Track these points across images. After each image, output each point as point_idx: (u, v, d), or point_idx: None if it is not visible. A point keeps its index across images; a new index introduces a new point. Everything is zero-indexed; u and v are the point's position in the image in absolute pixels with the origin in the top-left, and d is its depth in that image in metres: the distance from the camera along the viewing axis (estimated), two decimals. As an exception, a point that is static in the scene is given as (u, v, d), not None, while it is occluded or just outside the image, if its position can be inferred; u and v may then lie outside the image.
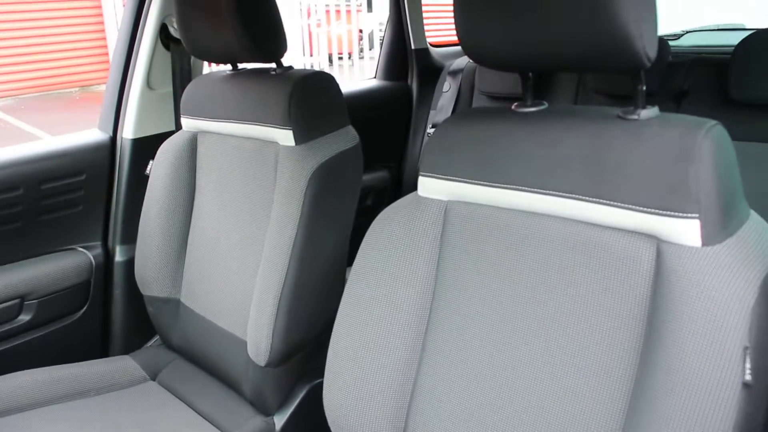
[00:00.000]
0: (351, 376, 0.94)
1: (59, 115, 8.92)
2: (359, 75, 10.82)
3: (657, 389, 0.69)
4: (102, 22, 11.62)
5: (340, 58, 10.96)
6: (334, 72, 10.71)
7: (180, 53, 1.67)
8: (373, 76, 2.54)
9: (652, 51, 0.73)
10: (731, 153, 0.74)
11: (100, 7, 11.51)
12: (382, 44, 2.54)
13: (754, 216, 0.77)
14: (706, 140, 0.71)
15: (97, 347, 1.69)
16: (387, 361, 0.91)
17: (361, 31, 11.45)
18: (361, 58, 11.63)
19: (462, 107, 2.28)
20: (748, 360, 0.64)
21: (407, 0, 2.39)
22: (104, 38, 11.67)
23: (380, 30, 11.27)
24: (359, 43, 11.55)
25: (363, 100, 2.36)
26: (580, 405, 0.76)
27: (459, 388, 0.86)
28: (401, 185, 2.48)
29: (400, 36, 2.45)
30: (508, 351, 0.83)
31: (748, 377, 0.64)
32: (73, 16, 11.43)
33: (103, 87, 11.07)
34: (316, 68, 11.71)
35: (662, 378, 0.68)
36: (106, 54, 11.72)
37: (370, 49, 11.42)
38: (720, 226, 0.70)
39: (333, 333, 0.98)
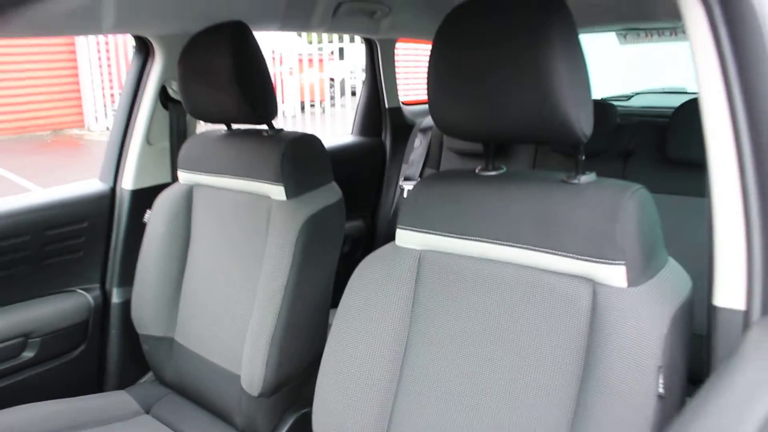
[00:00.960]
0: (337, 404, 1.08)
1: (30, 158, 8.93)
2: (330, 121, 11.04)
3: (593, 404, 0.85)
4: (76, 68, 11.69)
5: (312, 105, 11.19)
6: (306, 119, 10.93)
7: (177, 112, 1.83)
8: (350, 131, 2.72)
9: (588, 129, 0.90)
10: (653, 211, 0.92)
11: (74, 53, 11.60)
12: (356, 97, 2.71)
13: (671, 261, 0.94)
14: (630, 201, 0.88)
15: (94, 383, 1.79)
16: (369, 390, 1.06)
17: (332, 79, 11.69)
18: (332, 105, 11.89)
19: (432, 162, 2.46)
20: (661, 377, 0.81)
21: (382, 63, 2.59)
22: (77, 83, 11.73)
23: (351, 77, 11.54)
24: (330, 90, 11.81)
25: (340, 154, 2.52)
26: (535, 420, 0.92)
27: (432, 410, 1.02)
28: (375, 233, 2.63)
29: (375, 95, 2.64)
30: (474, 376, 0.98)
31: (661, 390, 0.81)
32: (49, 61, 11.49)
33: (75, 131, 11.10)
34: (288, 114, 11.75)
35: (597, 394, 0.85)
36: (79, 98, 11.79)
37: (341, 96, 11.67)
38: (641, 271, 0.87)
39: (321, 365, 1.11)
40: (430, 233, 1.05)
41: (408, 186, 2.40)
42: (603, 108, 2.05)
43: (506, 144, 1.64)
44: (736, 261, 0.76)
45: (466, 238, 1.01)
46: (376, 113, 2.66)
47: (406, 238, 1.08)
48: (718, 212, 0.78)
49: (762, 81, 0.70)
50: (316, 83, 11.20)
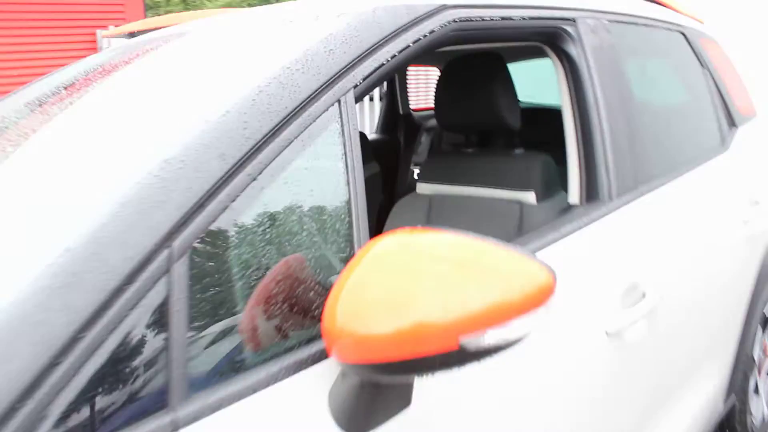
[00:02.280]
0: None
1: None
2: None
3: None
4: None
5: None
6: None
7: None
8: (375, 131, 3.64)
9: (516, 123, 1.79)
10: (551, 166, 1.81)
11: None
12: (373, 102, 3.63)
13: (563, 193, 1.83)
14: (537, 161, 1.78)
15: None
16: None
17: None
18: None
19: (434, 152, 3.36)
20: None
21: (398, 80, 3.51)
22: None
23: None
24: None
25: (369, 147, 3.41)
26: None
27: None
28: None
29: (393, 105, 3.55)
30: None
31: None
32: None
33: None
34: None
35: None
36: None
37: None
38: (543, 195, 1.75)
39: None
40: (435, 183, 1.94)
41: (417, 170, 3.29)
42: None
43: (481, 134, 2.46)
44: (574, 179, 1.62)
45: (455, 185, 1.90)
46: (393, 117, 3.56)
47: (422, 188, 1.97)
48: (570, 155, 1.64)
49: (587, 101, 1.58)
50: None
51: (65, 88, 1.42)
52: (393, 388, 0.87)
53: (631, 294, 1.42)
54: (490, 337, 0.77)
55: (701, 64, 2.24)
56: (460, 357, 0.77)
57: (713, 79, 2.28)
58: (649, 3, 2.14)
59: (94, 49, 12.26)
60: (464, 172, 1.88)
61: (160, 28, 1.87)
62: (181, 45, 1.38)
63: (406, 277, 0.77)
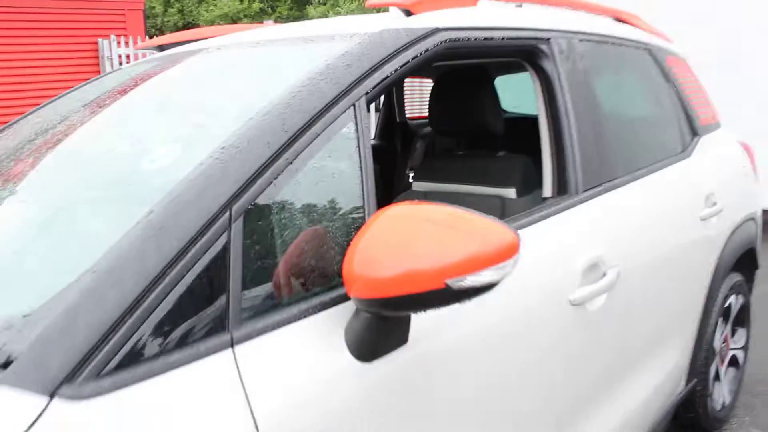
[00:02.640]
0: None
1: None
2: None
3: None
4: (99, 85, 12.81)
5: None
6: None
7: None
8: (372, 138, 3.90)
9: (499, 128, 2.07)
10: (530, 166, 2.08)
11: (98, 71, 12.75)
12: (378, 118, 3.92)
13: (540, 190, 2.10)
14: (518, 162, 2.05)
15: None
16: None
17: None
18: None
19: (428, 156, 3.64)
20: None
21: (395, 91, 3.79)
22: (101, 99, 12.84)
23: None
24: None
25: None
26: None
27: None
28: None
29: (390, 114, 3.83)
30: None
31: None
32: (74, 73, 12.65)
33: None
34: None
35: None
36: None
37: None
38: (522, 191, 2.02)
39: None
40: (429, 182, 2.20)
41: (412, 173, 3.56)
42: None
43: (470, 138, 2.72)
44: (547, 176, 1.89)
45: (446, 183, 2.16)
46: (390, 125, 3.84)
47: (417, 186, 2.23)
48: (544, 155, 1.90)
49: (558, 109, 1.85)
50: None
51: (117, 93, 1.69)
52: (394, 324, 1.13)
53: (592, 271, 1.69)
54: (469, 281, 1.03)
55: (666, 79, 2.52)
56: (445, 296, 1.03)
57: (676, 92, 2.56)
58: (619, 24, 2.42)
59: (96, 57, 12.52)
60: (454, 172, 2.15)
61: (187, 41, 2.14)
62: (222, 58, 1.65)
63: (405, 236, 1.03)
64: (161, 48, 2.23)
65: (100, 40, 12.58)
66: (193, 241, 0.99)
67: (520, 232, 1.49)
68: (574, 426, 1.69)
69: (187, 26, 33.48)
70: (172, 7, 30.94)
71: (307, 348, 1.08)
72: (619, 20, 2.47)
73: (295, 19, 30.27)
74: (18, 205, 1.29)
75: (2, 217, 1.26)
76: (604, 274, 1.72)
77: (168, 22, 30.87)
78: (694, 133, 2.63)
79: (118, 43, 12.70)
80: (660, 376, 2.18)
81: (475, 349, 1.35)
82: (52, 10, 12.43)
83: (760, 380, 3.33)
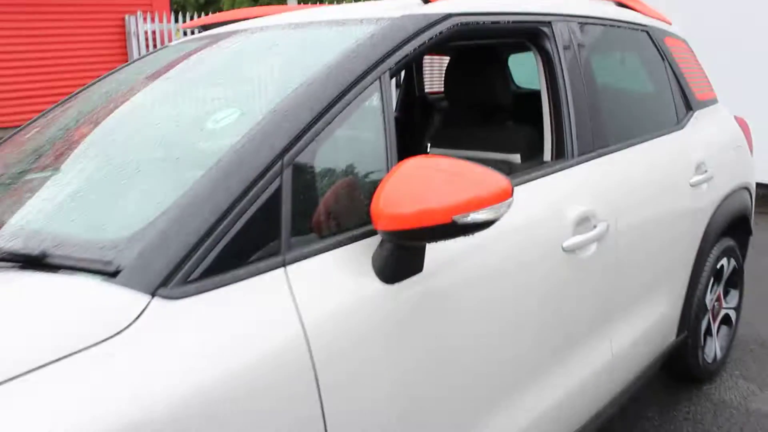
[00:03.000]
0: None
1: None
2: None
3: None
4: (126, 60, 13.17)
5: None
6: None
7: None
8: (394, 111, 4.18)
9: (507, 100, 2.33)
10: (536, 136, 2.33)
11: (124, 47, 13.11)
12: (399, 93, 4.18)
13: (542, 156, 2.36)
14: (523, 131, 2.31)
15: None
16: None
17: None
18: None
19: (444, 126, 3.90)
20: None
21: (414, 71, 4.04)
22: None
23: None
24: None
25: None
26: None
27: None
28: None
29: (410, 89, 4.08)
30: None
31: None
32: (100, 56, 13.00)
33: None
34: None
35: None
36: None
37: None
38: (526, 157, 2.28)
39: None
40: (444, 149, 2.47)
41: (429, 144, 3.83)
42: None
43: (482, 110, 2.98)
44: (547, 142, 2.13)
45: (459, 149, 2.43)
46: (410, 99, 4.09)
47: (433, 152, 2.50)
48: (545, 124, 2.16)
49: (557, 85, 2.10)
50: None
51: (177, 65, 1.97)
52: (412, 253, 1.40)
53: (583, 223, 1.95)
54: (471, 218, 1.30)
55: (662, 58, 2.75)
56: (452, 229, 1.30)
57: (673, 70, 2.79)
58: (620, 8, 2.66)
59: (123, 33, 12.84)
60: (466, 140, 2.41)
61: (228, 21, 2.41)
62: (268, 37, 1.92)
63: (420, 181, 1.31)
64: (205, 28, 2.50)
65: (126, 15, 12.89)
66: (253, 182, 1.27)
67: (521, 187, 1.77)
68: (569, 358, 1.96)
69: (208, 2, 33.63)
70: (195, -17, 31.14)
71: (342, 271, 1.36)
72: (621, 4, 2.70)
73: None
74: (115, 153, 1.59)
75: (104, 162, 1.55)
76: (595, 227, 1.98)
77: (191, -1, 31.11)
78: (689, 107, 2.86)
79: (144, 18, 12.99)
80: (648, 323, 2.45)
81: (479, 283, 1.62)
82: (80, -14, 12.74)
83: (754, 339, 3.59)
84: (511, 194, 1.34)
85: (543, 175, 1.90)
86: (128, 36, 13.05)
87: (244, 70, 1.80)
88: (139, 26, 13.05)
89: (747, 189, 3.20)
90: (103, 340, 1.06)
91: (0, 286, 1.18)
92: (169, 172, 1.44)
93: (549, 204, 1.89)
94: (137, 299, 1.12)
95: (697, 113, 2.89)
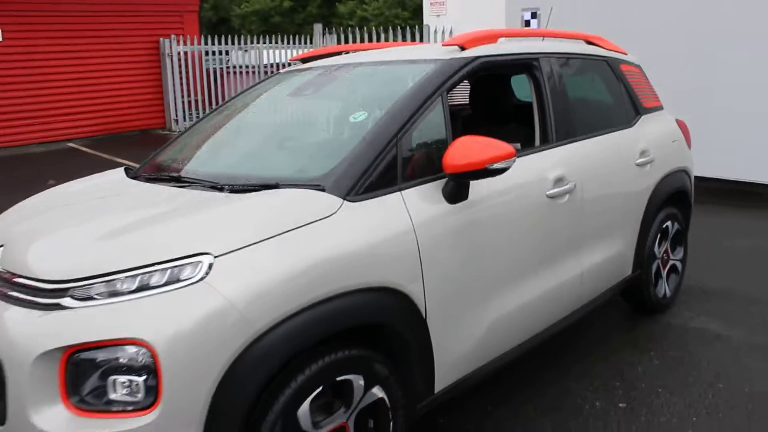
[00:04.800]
0: None
1: (131, 152, 11.33)
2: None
3: None
4: (159, 79, 14.43)
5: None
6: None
7: None
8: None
9: (511, 110, 3.57)
10: (531, 132, 3.56)
11: (158, 66, 14.34)
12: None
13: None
14: (521, 128, 3.54)
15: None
16: None
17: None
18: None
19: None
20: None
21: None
22: (160, 92, 14.43)
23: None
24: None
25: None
26: None
27: None
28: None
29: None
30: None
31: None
32: (137, 74, 14.24)
33: (158, 131, 14.02)
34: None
35: None
36: (161, 104, 14.47)
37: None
38: (525, 146, 3.51)
39: None
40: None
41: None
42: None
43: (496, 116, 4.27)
44: (536, 133, 3.35)
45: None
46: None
47: None
48: (535, 123, 3.37)
49: (542, 98, 3.31)
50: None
51: (301, 88, 3.25)
52: (462, 187, 2.62)
53: (559, 182, 3.17)
54: (495, 166, 2.53)
55: (617, 79, 3.99)
56: (485, 172, 2.53)
57: (625, 87, 4.03)
58: (587, 44, 3.91)
59: (157, 54, 14.12)
60: (484, 134, 3.64)
61: (322, 56, 3.66)
62: (367, 71, 3.19)
63: (468, 146, 2.53)
64: (304, 61, 3.75)
65: (161, 39, 14.17)
66: (384, 148, 2.50)
67: (521, 159, 3.00)
68: (554, 265, 3.18)
69: (220, 21, 35.01)
70: (207, 2, 32.57)
71: (427, 196, 2.58)
72: (589, 42, 3.95)
73: (324, 16, 31.62)
74: (300, 132, 2.88)
75: (297, 136, 2.85)
76: (566, 184, 3.20)
77: (202, 17, 32.52)
78: (637, 112, 4.09)
79: (177, 41, 14.23)
80: (609, 254, 3.64)
81: (497, 211, 2.85)
82: (118, 13, 14.05)
83: (699, 288, 4.79)
84: (515, 155, 2.57)
85: (532, 153, 3.14)
86: (162, 57, 14.31)
87: (360, 90, 3.07)
88: (173, 48, 14.28)
89: (685, 172, 4.41)
90: (325, 217, 2.28)
91: (266, 196, 2.39)
92: (338, 142, 2.70)
93: (538, 170, 3.11)
94: (337, 201, 2.34)
95: (643, 117, 4.12)
